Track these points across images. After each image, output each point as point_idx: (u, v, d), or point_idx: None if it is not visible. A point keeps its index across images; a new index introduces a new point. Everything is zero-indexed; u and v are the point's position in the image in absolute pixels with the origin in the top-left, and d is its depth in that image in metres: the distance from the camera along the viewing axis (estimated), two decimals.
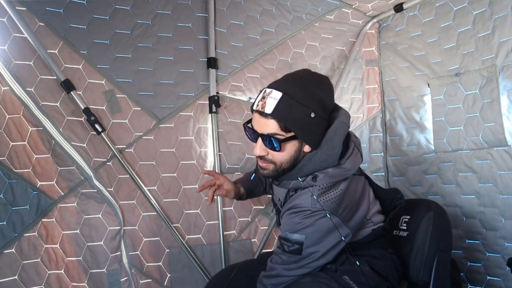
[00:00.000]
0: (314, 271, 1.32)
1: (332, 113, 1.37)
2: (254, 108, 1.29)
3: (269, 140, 1.26)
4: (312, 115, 1.23)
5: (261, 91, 1.29)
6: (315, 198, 1.28)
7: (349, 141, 1.39)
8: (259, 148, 1.29)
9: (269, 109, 1.22)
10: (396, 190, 1.49)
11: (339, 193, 1.31)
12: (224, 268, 1.63)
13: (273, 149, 1.28)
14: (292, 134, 1.25)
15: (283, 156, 1.29)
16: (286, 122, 1.23)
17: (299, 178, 1.34)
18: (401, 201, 1.45)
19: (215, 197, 1.59)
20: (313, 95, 1.25)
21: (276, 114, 1.22)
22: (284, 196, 1.43)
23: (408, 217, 1.61)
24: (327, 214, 1.26)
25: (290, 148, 1.29)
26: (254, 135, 1.32)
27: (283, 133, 1.25)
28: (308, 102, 1.23)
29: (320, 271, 1.33)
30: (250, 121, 1.35)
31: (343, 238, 1.28)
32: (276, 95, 1.23)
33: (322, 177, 1.31)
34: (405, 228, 1.60)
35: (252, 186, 1.81)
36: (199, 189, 1.68)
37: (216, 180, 1.71)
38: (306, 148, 1.31)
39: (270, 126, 1.24)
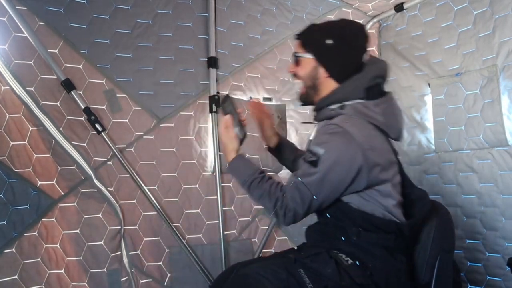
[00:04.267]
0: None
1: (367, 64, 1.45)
2: None
3: (293, 57, 1.49)
4: (328, 41, 1.40)
5: None
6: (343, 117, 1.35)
7: (388, 96, 1.43)
8: (291, 65, 1.51)
9: (298, 33, 1.49)
10: (425, 194, 1.48)
11: (368, 131, 1.34)
12: (231, 265, 1.59)
13: (294, 62, 1.48)
14: (310, 55, 1.44)
15: (300, 70, 1.47)
16: (305, 41, 1.46)
17: (329, 107, 1.42)
18: (425, 208, 1.44)
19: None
20: (337, 28, 1.43)
21: (300, 36, 1.48)
22: (314, 134, 1.50)
23: None
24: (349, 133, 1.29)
25: (307, 64, 1.45)
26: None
27: (302, 51, 1.46)
28: (329, 32, 1.42)
29: (276, 259, 1.34)
30: None
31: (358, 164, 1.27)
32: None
33: (350, 106, 1.38)
34: None
35: (285, 142, 1.77)
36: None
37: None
38: (323, 72, 1.43)
39: (296, 46, 1.49)
